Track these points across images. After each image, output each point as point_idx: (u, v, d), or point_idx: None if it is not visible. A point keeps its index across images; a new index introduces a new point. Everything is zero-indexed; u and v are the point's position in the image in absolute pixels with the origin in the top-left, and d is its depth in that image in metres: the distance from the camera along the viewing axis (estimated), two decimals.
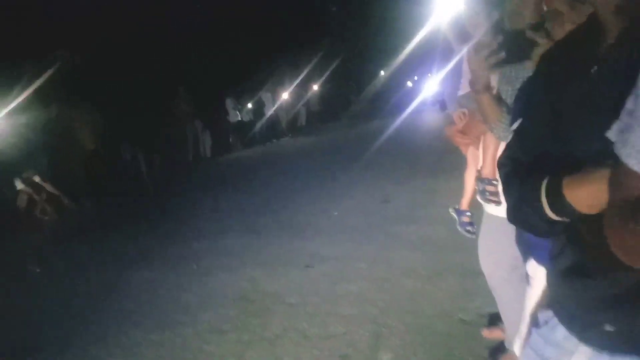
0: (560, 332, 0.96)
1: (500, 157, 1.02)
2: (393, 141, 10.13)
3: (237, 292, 3.67)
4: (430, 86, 15.03)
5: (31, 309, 3.88)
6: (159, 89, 11.33)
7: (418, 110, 14.44)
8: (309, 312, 3.22)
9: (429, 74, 13.50)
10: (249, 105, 14.17)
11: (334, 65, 18.18)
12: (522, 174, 0.90)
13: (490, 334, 2.65)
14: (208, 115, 12.91)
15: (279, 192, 7.04)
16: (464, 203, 2.44)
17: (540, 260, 1.31)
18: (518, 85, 1.46)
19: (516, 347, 1.41)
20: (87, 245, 5.48)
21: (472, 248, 3.80)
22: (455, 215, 2.53)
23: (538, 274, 1.33)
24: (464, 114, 2.17)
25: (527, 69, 1.45)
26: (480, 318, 2.85)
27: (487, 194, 2.07)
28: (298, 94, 16.45)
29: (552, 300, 0.99)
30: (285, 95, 15.32)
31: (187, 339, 3.08)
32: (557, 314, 0.97)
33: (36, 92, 8.24)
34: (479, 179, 2.12)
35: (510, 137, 1.35)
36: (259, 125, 14.08)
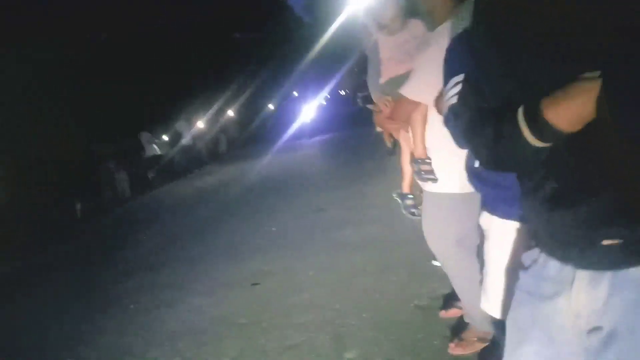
0: (553, 266, 0.95)
1: (454, 107, 1.02)
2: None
3: (183, 324, 3.45)
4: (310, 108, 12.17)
5: None
6: (62, 134, 10.64)
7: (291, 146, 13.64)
8: (264, 327, 3.09)
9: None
10: (165, 138, 13.69)
11: (249, 90, 18.18)
12: (489, 113, 0.88)
13: (447, 314, 2.70)
14: (122, 153, 12.31)
15: (210, 219, 6.80)
16: (405, 186, 2.48)
17: (495, 210, 1.34)
18: None
19: (484, 305, 1.42)
20: (8, 304, 4.91)
21: (413, 241, 3.89)
22: (399, 200, 2.56)
23: (493, 225, 1.35)
24: (388, 100, 2.21)
25: None
26: (434, 301, 2.90)
27: (423, 173, 2.12)
28: (214, 121, 16.20)
29: (538, 235, 0.98)
30: (201, 124, 15.00)
31: None
32: (546, 248, 0.96)
33: None
34: (414, 160, 2.16)
35: (449, 96, 1.39)
36: (177, 156, 13.62)
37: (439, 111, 1.86)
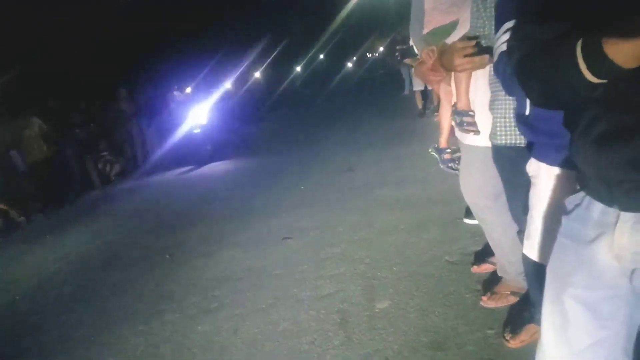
0: (597, 209, 0.95)
1: (509, 42, 1.00)
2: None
3: (219, 274, 3.59)
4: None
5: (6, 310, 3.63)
6: (99, 91, 10.82)
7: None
8: (298, 278, 3.19)
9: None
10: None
11: (275, 50, 18.05)
12: (546, 45, 0.85)
13: (479, 269, 2.73)
14: (151, 111, 12.45)
15: (242, 177, 6.93)
16: (443, 141, 2.48)
17: (543, 157, 1.34)
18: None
19: (527, 250, 1.44)
20: (49, 253, 5.17)
21: (445, 200, 3.93)
22: (436, 155, 2.56)
23: (541, 172, 1.36)
24: (432, 51, 2.19)
25: None
26: (466, 257, 2.93)
27: (466, 124, 2.11)
28: (241, 82, 16.22)
29: (584, 178, 0.98)
30: (227, 84, 15.04)
31: (176, 324, 2.98)
32: (592, 190, 0.96)
33: None
34: (456, 112, 2.15)
35: (500, 43, 1.37)
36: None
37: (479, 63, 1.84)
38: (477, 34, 1.75)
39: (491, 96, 1.81)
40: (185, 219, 5.35)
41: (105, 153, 9.32)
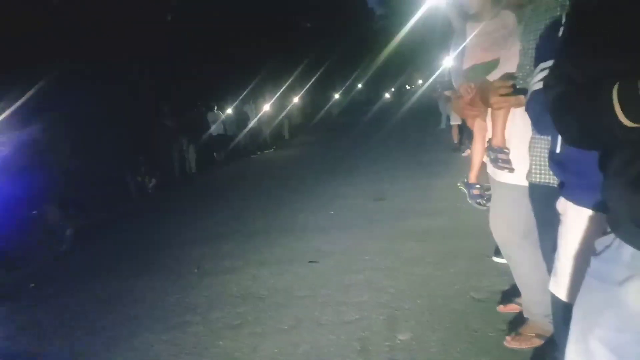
0: (628, 251, 0.94)
1: (546, 79, 1.03)
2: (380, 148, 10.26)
3: (244, 291, 3.64)
4: None
5: (37, 321, 3.76)
6: (142, 106, 11.26)
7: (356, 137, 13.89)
8: (320, 302, 3.21)
9: None
10: (231, 118, 14.13)
11: (315, 76, 18.37)
12: (581, 88, 0.88)
13: (506, 309, 2.69)
14: (191, 129, 12.83)
15: (272, 198, 7.04)
16: (472, 176, 2.49)
17: (571, 196, 1.35)
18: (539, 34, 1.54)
19: (552, 287, 1.44)
20: (84, 258, 5.36)
21: (475, 235, 3.89)
22: (464, 189, 2.57)
23: (568, 211, 1.36)
24: (471, 87, 2.23)
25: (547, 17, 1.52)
26: (493, 295, 2.89)
27: (500, 162, 2.13)
28: (280, 106, 16.52)
29: (615, 221, 0.98)
30: (266, 107, 15.34)
31: (199, 336, 3.03)
32: (623, 233, 0.96)
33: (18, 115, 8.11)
34: (491, 148, 2.17)
35: (535, 81, 1.41)
36: (243, 137, 14.04)
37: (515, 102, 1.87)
38: (520, 74, 1.79)
39: (532, 135, 1.82)
40: (213, 233, 5.46)
41: (144, 166, 9.64)
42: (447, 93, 2.73)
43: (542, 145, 1.73)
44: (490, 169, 2.29)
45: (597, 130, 0.86)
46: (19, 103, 7.73)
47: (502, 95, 1.80)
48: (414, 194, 5.81)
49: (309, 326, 2.91)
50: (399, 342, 2.58)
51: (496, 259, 3.31)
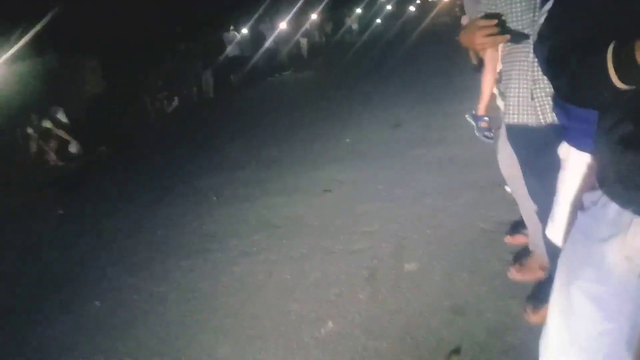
0: (612, 209, 0.96)
1: (541, 30, 0.98)
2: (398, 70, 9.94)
3: (260, 219, 3.76)
4: None
5: (60, 246, 4.00)
6: (157, 30, 11.00)
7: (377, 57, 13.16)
8: (332, 231, 3.31)
9: None
10: (247, 38, 13.71)
11: None
12: (577, 43, 0.84)
13: (514, 240, 2.73)
14: (206, 52, 12.56)
15: (289, 125, 7.02)
16: (482, 108, 2.42)
17: (574, 142, 1.32)
18: None
19: (549, 232, 1.45)
20: (105, 187, 5.57)
21: (487, 164, 3.84)
22: (472, 121, 2.52)
23: (571, 156, 1.34)
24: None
25: None
26: (501, 226, 2.92)
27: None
28: (297, 24, 15.90)
29: (603, 177, 0.98)
30: (283, 25, 14.77)
31: (216, 263, 3.19)
32: (609, 190, 0.96)
33: (33, 41, 8.05)
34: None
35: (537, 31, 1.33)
36: (258, 58, 13.69)
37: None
38: (509, 12, 1.70)
39: (504, 76, 1.78)
40: (230, 161, 5.56)
41: (161, 91, 9.64)
42: (463, 18, 2.56)
43: (519, 86, 1.70)
44: (500, 101, 2.23)
45: (588, 89, 0.84)
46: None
47: (486, 35, 1.70)
48: (430, 120, 5.71)
49: (320, 254, 3.03)
50: (405, 271, 2.68)
51: (507, 188, 3.30)
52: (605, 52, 0.77)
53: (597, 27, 0.82)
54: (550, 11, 0.94)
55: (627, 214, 0.93)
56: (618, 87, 0.78)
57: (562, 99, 0.96)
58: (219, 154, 6.07)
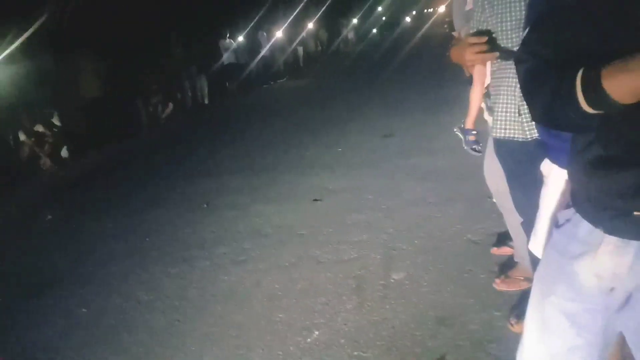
0: (584, 227, 0.98)
1: (518, 53, 1.00)
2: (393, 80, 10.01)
3: (250, 227, 3.77)
4: None
5: (48, 251, 3.97)
6: (152, 35, 10.99)
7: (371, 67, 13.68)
8: (321, 241, 3.32)
9: None
10: (243, 45, 13.76)
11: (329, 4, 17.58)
12: (549, 68, 0.87)
13: (499, 251, 2.76)
14: (202, 58, 12.55)
15: (281, 133, 7.04)
16: (469, 122, 2.46)
17: (556, 159, 1.35)
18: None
19: (532, 246, 1.48)
20: (95, 192, 5.54)
21: (476, 176, 3.86)
22: (460, 135, 2.55)
23: (552, 173, 1.37)
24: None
25: None
26: (488, 238, 2.95)
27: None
28: (293, 33, 15.99)
29: (575, 196, 1.01)
30: (279, 34, 14.85)
31: (205, 270, 3.19)
32: (581, 209, 0.99)
33: (28, 42, 8.03)
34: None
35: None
36: (254, 66, 13.74)
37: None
38: (499, 29, 1.73)
39: (493, 91, 1.81)
40: (222, 167, 5.57)
41: (156, 96, 9.63)
42: (454, 34, 2.60)
43: (507, 101, 1.74)
44: (487, 115, 2.26)
45: (559, 112, 0.86)
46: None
47: (476, 52, 1.74)
48: (422, 130, 5.76)
49: (308, 264, 3.04)
50: (392, 281, 2.69)
51: (495, 201, 3.33)
52: (575, 77, 0.79)
53: (568, 52, 0.85)
54: (525, 36, 0.97)
55: (597, 232, 0.96)
56: (587, 112, 0.80)
57: (536, 121, 0.99)
58: (211, 160, 6.07)
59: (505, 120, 1.79)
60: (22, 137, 6.86)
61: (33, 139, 6.89)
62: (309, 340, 2.30)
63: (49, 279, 3.41)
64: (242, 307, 2.69)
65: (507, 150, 1.87)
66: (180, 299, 2.89)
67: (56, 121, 7.36)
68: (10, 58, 7.52)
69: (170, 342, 2.47)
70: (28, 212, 5.26)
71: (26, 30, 7.80)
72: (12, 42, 7.61)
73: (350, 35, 24.02)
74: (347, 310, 2.49)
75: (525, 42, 0.96)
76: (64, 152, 7.15)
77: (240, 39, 13.75)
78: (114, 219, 4.43)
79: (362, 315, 2.43)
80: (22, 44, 7.69)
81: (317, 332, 2.35)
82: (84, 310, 2.93)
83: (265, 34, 14.58)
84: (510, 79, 1.77)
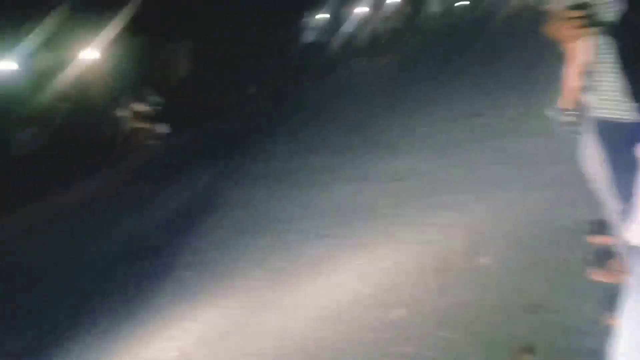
0: None
1: (614, 27, 0.95)
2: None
3: (333, 204, 3.87)
4: None
5: (150, 221, 4.35)
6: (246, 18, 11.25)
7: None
8: (404, 221, 3.34)
9: None
10: (326, 22, 13.70)
11: None
12: None
13: (597, 240, 2.61)
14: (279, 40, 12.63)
15: (365, 113, 7.03)
16: (565, 102, 2.31)
17: None
18: None
19: (630, 235, 1.40)
20: (193, 168, 5.90)
21: (569, 160, 3.66)
22: (554, 115, 2.41)
23: None
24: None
25: None
26: (582, 225, 2.78)
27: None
28: (376, 7, 15.65)
29: None
30: (361, 10, 14.60)
31: (290, 243, 3.33)
32: None
33: (127, 25, 8.60)
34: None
35: None
36: (336, 43, 13.66)
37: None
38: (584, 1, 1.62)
39: (594, 69, 1.70)
40: (306, 146, 5.71)
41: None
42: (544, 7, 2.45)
43: (610, 79, 1.63)
44: (585, 95, 2.13)
45: None
46: None
47: (575, 27, 1.64)
48: (512, 110, 5.49)
49: (391, 243, 3.08)
50: (478, 265, 2.66)
51: (592, 186, 3.14)
52: None
53: None
54: (626, 8, 0.93)
55: None
56: None
57: (634, 100, 0.94)
58: (297, 141, 6.22)
59: (610, 100, 1.70)
60: (120, 113, 7.45)
61: (131, 116, 7.47)
62: (392, 316, 2.36)
63: (152, 243, 3.76)
64: (327, 279, 2.79)
65: (611, 132, 1.77)
66: (269, 270, 3.01)
67: (153, 99, 7.90)
68: (112, 40, 8.13)
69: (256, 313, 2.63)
70: (130, 185, 5.73)
71: (124, 13, 8.36)
72: (112, 25, 8.20)
73: (436, 8, 23.08)
74: (431, 291, 2.51)
75: (624, 15, 0.91)
76: (163, 128, 7.67)
77: (323, 16, 13.73)
78: (209, 193, 4.79)
79: (446, 297, 2.44)
80: (122, 26, 8.27)
81: (399, 310, 2.39)
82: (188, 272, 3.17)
83: (346, 10, 14.43)
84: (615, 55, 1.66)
